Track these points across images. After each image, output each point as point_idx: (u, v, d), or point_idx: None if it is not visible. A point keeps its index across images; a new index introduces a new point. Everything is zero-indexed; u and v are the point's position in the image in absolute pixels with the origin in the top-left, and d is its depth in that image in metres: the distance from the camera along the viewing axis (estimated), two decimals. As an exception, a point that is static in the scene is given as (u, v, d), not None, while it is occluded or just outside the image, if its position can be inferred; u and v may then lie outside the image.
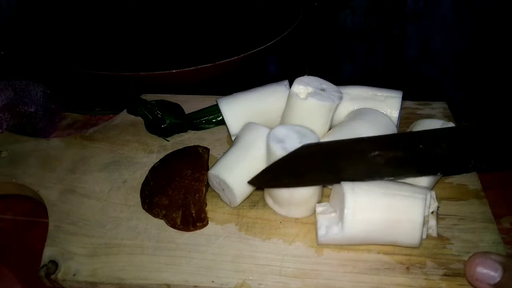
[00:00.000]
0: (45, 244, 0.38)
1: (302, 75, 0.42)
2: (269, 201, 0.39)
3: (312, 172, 0.35)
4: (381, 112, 0.42)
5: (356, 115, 0.42)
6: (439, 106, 0.51)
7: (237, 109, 0.44)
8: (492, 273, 0.30)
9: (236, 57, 0.59)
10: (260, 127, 0.41)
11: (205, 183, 0.40)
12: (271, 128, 0.39)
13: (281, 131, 0.37)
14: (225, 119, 0.45)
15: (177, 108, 0.50)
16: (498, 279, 0.30)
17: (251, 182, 0.35)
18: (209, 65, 0.57)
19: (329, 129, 0.42)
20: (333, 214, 0.36)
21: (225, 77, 0.62)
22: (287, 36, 0.65)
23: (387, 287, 0.33)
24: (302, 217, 0.39)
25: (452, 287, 0.33)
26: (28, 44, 0.70)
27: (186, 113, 0.50)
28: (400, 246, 0.35)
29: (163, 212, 0.39)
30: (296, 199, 0.37)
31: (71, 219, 0.40)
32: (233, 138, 0.45)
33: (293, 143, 0.35)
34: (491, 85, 0.66)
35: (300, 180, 0.35)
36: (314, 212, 0.39)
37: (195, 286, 0.34)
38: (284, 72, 0.73)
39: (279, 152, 0.35)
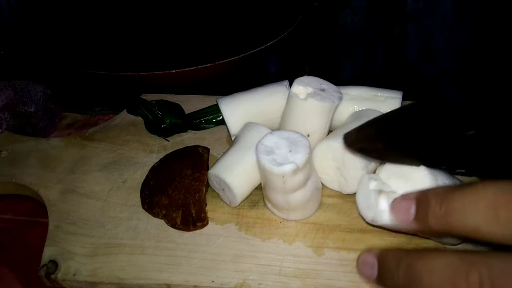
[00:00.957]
0: (45, 244, 0.38)
1: (302, 75, 0.42)
2: (268, 204, 0.39)
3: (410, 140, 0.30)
4: (377, 111, 0.42)
5: (359, 116, 0.41)
6: (439, 106, 0.51)
7: (237, 109, 0.44)
8: (368, 271, 0.28)
9: (236, 57, 0.59)
10: (260, 127, 0.41)
11: (205, 183, 0.40)
12: (271, 128, 0.39)
13: (270, 140, 0.36)
14: (225, 119, 0.45)
15: (177, 108, 0.50)
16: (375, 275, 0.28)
17: (345, 137, 0.32)
18: (209, 65, 0.57)
19: (329, 130, 0.42)
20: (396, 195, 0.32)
21: (225, 77, 0.62)
22: (287, 36, 0.65)
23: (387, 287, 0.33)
24: (302, 219, 0.39)
25: (452, 287, 0.33)
26: (28, 44, 0.70)
27: (186, 113, 0.50)
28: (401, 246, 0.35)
29: (163, 212, 0.39)
30: (293, 205, 0.37)
31: (71, 219, 0.40)
32: (233, 138, 0.45)
33: (282, 153, 0.35)
34: (491, 85, 0.66)
35: (392, 148, 0.31)
36: (313, 214, 0.39)
37: (195, 286, 0.34)
38: (284, 72, 0.73)
39: (268, 165, 0.34)
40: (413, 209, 0.28)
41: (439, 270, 0.23)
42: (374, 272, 0.27)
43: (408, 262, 0.26)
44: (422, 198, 0.27)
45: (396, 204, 0.29)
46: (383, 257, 0.27)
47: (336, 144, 0.37)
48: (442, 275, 0.23)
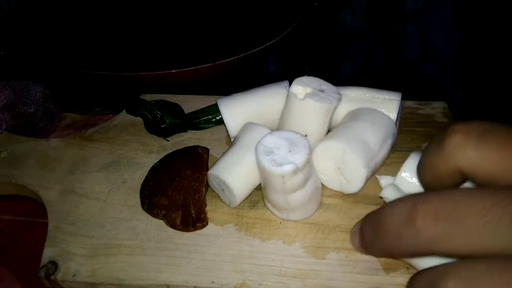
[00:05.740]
0: (44, 244, 0.38)
1: (302, 75, 0.42)
2: (268, 205, 0.39)
3: None
4: (380, 112, 0.42)
5: (355, 115, 0.41)
6: (439, 106, 0.51)
7: (237, 111, 0.44)
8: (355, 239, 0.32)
9: (236, 57, 0.59)
10: (260, 127, 0.41)
11: (205, 183, 0.40)
12: (271, 129, 0.39)
13: (270, 140, 0.36)
14: (225, 122, 0.44)
15: (177, 108, 0.50)
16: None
17: None
18: (209, 65, 0.57)
19: (327, 131, 0.42)
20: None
21: (224, 77, 0.62)
22: (287, 36, 0.65)
23: (387, 287, 0.33)
24: (302, 219, 0.39)
25: (452, 287, 0.33)
26: (28, 44, 0.70)
27: (185, 113, 0.50)
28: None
29: (163, 213, 0.39)
30: (293, 206, 0.37)
31: (71, 220, 0.40)
32: (232, 139, 0.45)
33: (282, 153, 0.35)
34: (492, 85, 0.66)
35: None
36: (313, 214, 0.39)
37: (195, 286, 0.34)
38: (284, 72, 0.73)
39: (268, 165, 0.34)
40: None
41: (396, 210, 0.25)
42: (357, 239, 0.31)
43: (372, 217, 0.29)
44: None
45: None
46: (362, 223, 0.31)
47: (337, 144, 0.37)
48: (399, 214, 0.25)
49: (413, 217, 0.23)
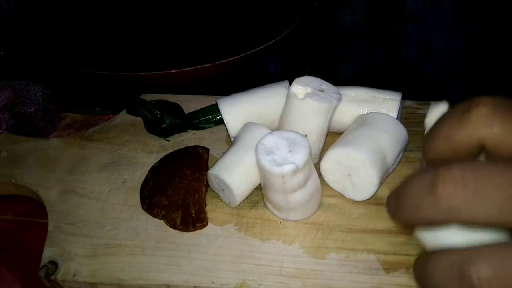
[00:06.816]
0: (44, 244, 0.38)
1: (302, 75, 0.42)
2: (268, 205, 0.39)
3: None
4: (398, 122, 0.41)
5: (363, 120, 0.41)
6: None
7: (237, 111, 0.44)
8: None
9: (236, 57, 0.59)
10: (260, 127, 0.41)
11: (205, 183, 0.40)
12: (271, 130, 0.39)
13: (270, 140, 0.36)
14: (225, 122, 0.44)
15: (177, 108, 0.50)
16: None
17: None
18: (209, 65, 0.57)
19: (327, 131, 0.42)
20: None
21: (225, 77, 0.62)
22: (287, 36, 0.65)
23: (387, 287, 0.33)
24: (302, 219, 0.39)
25: (452, 287, 0.33)
26: (28, 44, 0.70)
27: (185, 113, 0.50)
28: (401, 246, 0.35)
29: (163, 213, 0.39)
30: (293, 205, 0.37)
31: (71, 220, 0.40)
32: (232, 139, 0.45)
33: (282, 153, 0.35)
34: (491, 84, 0.66)
35: None
36: (313, 214, 0.39)
37: (195, 286, 0.34)
38: (284, 72, 0.73)
39: (268, 165, 0.34)
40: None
41: (418, 179, 0.24)
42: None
43: (396, 189, 0.26)
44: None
45: None
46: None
47: (359, 156, 0.37)
48: (420, 182, 0.24)
49: (434, 184, 0.23)
